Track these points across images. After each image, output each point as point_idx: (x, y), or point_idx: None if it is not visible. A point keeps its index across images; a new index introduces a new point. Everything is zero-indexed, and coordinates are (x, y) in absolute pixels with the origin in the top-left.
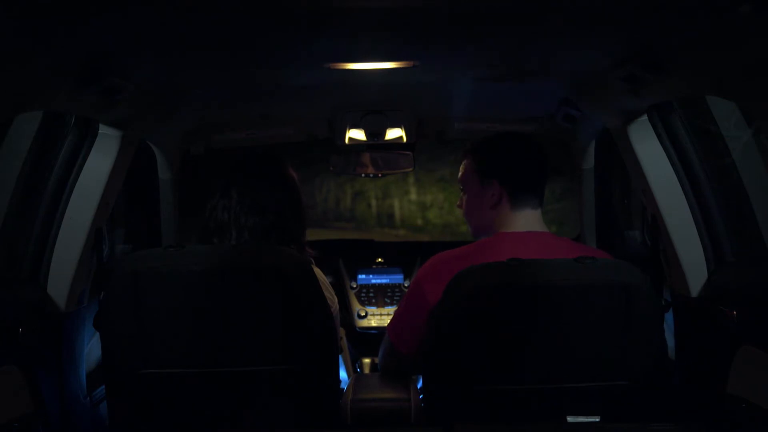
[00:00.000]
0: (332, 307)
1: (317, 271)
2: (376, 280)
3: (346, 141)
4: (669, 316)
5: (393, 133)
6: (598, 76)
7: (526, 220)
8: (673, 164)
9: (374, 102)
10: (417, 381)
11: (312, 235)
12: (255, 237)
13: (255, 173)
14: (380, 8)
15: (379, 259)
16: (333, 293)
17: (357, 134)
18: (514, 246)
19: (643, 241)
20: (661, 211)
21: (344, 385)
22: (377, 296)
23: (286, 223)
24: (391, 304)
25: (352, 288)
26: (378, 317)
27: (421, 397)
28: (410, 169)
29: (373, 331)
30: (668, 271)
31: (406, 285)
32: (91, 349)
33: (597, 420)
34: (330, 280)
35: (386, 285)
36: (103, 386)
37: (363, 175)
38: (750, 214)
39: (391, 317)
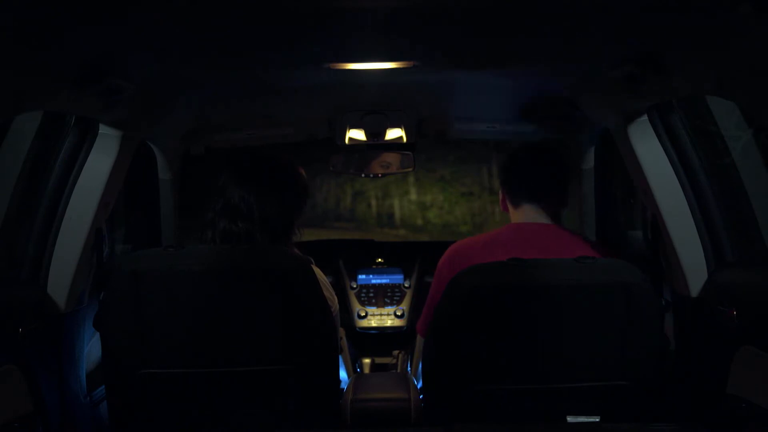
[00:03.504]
0: (332, 307)
1: (317, 271)
2: (376, 280)
3: (346, 141)
4: (669, 316)
5: (393, 133)
6: (598, 76)
7: (527, 213)
8: (673, 164)
9: (374, 102)
10: (417, 381)
11: (312, 235)
12: (249, 237)
13: (250, 174)
14: (380, 8)
15: (379, 259)
16: (333, 293)
17: (357, 134)
18: (517, 233)
19: (644, 241)
20: (661, 211)
21: (344, 385)
22: (377, 296)
23: (277, 224)
24: (391, 304)
25: (352, 288)
26: (378, 317)
27: (421, 397)
28: (410, 169)
29: (373, 331)
30: (668, 271)
31: (406, 285)
32: (91, 349)
33: (597, 420)
34: (330, 280)
35: (386, 285)
36: (103, 386)
37: (363, 175)
38: (750, 214)
39: (390, 317)
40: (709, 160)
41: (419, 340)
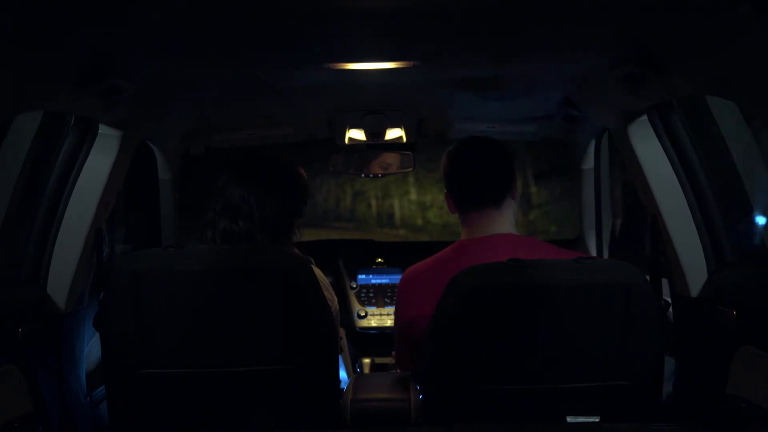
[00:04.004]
0: (332, 307)
1: (317, 271)
2: (376, 280)
3: (346, 141)
4: (669, 316)
5: (393, 133)
6: (598, 76)
7: (479, 223)
8: (673, 164)
9: (374, 102)
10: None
11: (312, 235)
12: (249, 237)
13: (250, 174)
14: (380, 8)
15: (379, 259)
16: (333, 293)
17: (357, 134)
18: (475, 254)
19: (644, 240)
20: (661, 211)
21: (344, 385)
22: (377, 296)
23: (277, 224)
24: (391, 304)
25: (352, 288)
26: (378, 317)
27: (421, 397)
28: (410, 169)
29: (373, 331)
30: (668, 271)
31: None
32: (91, 349)
33: (597, 420)
34: (330, 280)
35: (386, 285)
36: (103, 386)
37: (363, 175)
38: (750, 214)
39: (390, 317)
40: (709, 160)
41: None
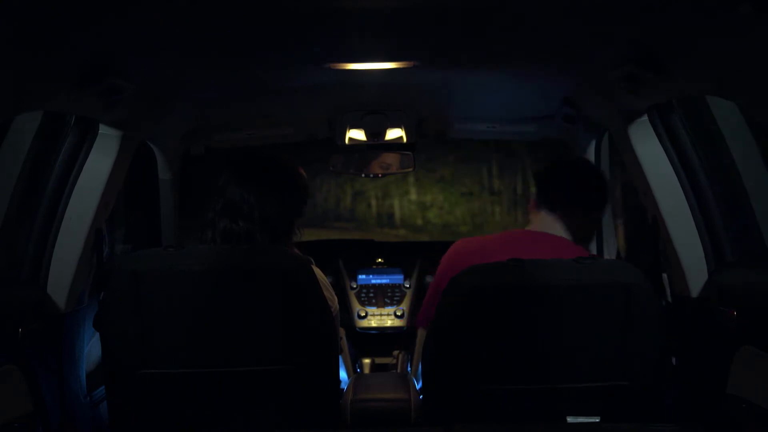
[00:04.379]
0: (332, 307)
1: (317, 271)
2: (376, 280)
3: (347, 141)
4: (669, 316)
5: (393, 133)
6: (598, 76)
7: (542, 220)
8: (673, 164)
9: (374, 102)
10: (417, 381)
11: (312, 235)
12: (249, 237)
13: (250, 174)
14: (380, 8)
15: (379, 259)
16: (333, 293)
17: (357, 134)
18: (523, 239)
19: (644, 241)
20: (661, 211)
21: (344, 385)
22: (377, 296)
23: (277, 224)
24: (391, 304)
25: (352, 288)
26: (378, 317)
27: (421, 397)
28: (411, 169)
29: (373, 331)
30: (668, 271)
31: (406, 285)
32: (91, 349)
33: (597, 420)
34: (330, 280)
35: (386, 285)
36: (103, 386)
37: (363, 175)
38: (750, 214)
39: (391, 317)
40: (709, 160)
41: (420, 336)
